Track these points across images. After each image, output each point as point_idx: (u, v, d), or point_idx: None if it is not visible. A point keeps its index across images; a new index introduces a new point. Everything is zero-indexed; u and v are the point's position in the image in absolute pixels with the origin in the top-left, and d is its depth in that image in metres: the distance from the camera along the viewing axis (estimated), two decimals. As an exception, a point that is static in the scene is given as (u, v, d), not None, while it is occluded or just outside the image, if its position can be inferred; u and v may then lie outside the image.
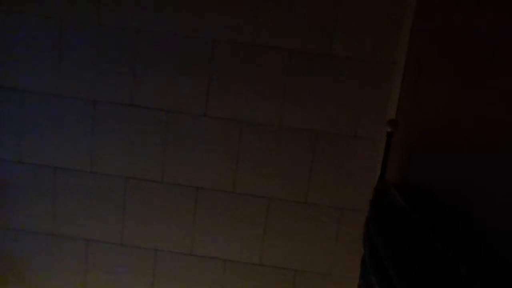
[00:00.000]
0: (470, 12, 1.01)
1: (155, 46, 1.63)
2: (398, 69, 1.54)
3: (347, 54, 1.59)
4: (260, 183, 1.70)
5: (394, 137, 1.27)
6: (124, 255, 1.78)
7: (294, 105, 1.64)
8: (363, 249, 1.21)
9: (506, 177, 0.75)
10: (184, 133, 1.69)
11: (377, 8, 1.56)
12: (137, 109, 1.68)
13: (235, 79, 1.64)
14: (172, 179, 1.72)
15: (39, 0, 1.63)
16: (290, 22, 1.59)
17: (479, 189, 0.85)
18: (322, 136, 1.65)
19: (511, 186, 0.73)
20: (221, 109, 1.66)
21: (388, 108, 1.60)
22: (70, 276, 1.81)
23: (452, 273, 0.75)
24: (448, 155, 1.02)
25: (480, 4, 0.97)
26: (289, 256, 1.74)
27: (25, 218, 1.78)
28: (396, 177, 1.34)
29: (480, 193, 0.84)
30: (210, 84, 1.65)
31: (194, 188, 1.72)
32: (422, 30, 1.38)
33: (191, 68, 1.64)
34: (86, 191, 1.75)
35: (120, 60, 1.65)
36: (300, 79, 1.62)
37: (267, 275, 1.75)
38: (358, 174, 1.67)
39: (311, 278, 1.74)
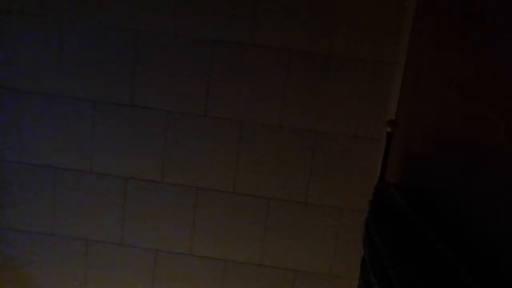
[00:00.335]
0: (470, 12, 1.01)
1: (155, 46, 1.64)
2: (398, 69, 1.54)
3: (347, 54, 1.59)
4: (260, 183, 1.70)
5: (394, 137, 1.27)
6: (124, 255, 1.78)
7: (294, 105, 1.64)
8: (363, 249, 1.21)
9: (506, 178, 0.75)
10: (184, 133, 1.69)
11: (377, 8, 1.56)
12: (137, 109, 1.68)
13: (235, 79, 1.64)
14: (172, 179, 1.72)
15: (39, 0, 1.63)
16: (290, 22, 1.59)
17: (479, 190, 0.85)
18: (322, 136, 1.65)
19: (511, 187, 0.73)
20: (221, 109, 1.66)
21: (388, 108, 1.60)
22: (70, 276, 1.82)
23: (451, 274, 0.75)
24: (448, 155, 1.02)
25: (480, 4, 0.97)
26: (289, 256, 1.74)
27: (25, 218, 1.79)
28: (396, 177, 1.34)
29: (479, 194, 0.84)
30: (210, 84, 1.65)
31: (194, 188, 1.72)
32: (422, 30, 1.38)
33: (191, 68, 1.64)
34: (86, 191, 1.75)
35: (120, 60, 1.65)
36: (300, 79, 1.62)
37: (267, 275, 1.76)
38: (358, 174, 1.67)
39: (311, 278, 1.74)
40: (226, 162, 1.70)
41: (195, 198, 1.73)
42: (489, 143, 0.83)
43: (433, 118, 1.16)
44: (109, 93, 1.68)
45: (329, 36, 1.59)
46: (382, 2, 1.56)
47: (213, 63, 1.64)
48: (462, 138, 0.95)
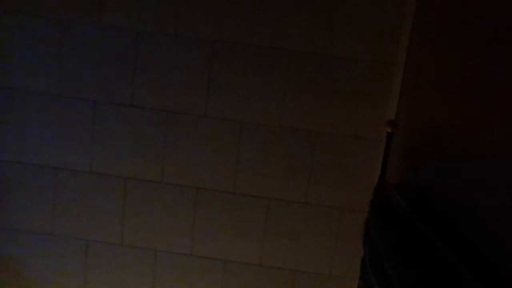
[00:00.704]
0: (470, 12, 1.01)
1: (155, 46, 1.63)
2: (398, 69, 1.54)
3: (347, 54, 1.59)
4: (260, 183, 1.70)
5: (394, 138, 1.27)
6: (124, 255, 1.78)
7: (294, 105, 1.64)
8: (363, 249, 1.20)
9: (506, 178, 0.75)
10: (184, 133, 1.69)
11: (377, 8, 1.56)
12: (137, 109, 1.68)
13: (235, 79, 1.64)
14: (172, 179, 1.72)
15: (39, 0, 1.63)
16: (290, 22, 1.59)
17: (479, 190, 0.85)
18: (322, 136, 1.65)
19: (511, 187, 0.73)
20: (221, 109, 1.66)
21: (388, 108, 1.60)
22: (70, 276, 1.82)
23: (451, 274, 0.75)
24: (448, 155, 1.02)
25: (480, 4, 0.97)
26: (289, 256, 1.74)
27: (25, 218, 1.79)
28: (396, 177, 1.34)
29: (479, 194, 0.84)
30: (210, 84, 1.65)
31: (194, 188, 1.72)
32: (422, 30, 1.38)
33: (191, 68, 1.64)
34: (86, 191, 1.75)
35: (120, 60, 1.65)
36: (300, 79, 1.62)
37: (267, 275, 1.75)
38: (358, 174, 1.67)
39: (311, 278, 1.74)
40: (226, 162, 1.70)
41: (195, 198, 1.73)
42: (489, 143, 0.83)
43: (433, 118, 1.16)
44: (109, 93, 1.68)
45: (329, 36, 1.59)
46: (382, 2, 1.56)
47: (213, 63, 1.64)
48: (462, 138, 0.95)
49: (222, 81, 1.65)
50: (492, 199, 0.79)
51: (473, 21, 0.99)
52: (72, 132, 1.71)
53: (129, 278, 1.80)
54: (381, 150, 1.36)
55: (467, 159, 0.91)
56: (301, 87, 1.63)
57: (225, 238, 1.75)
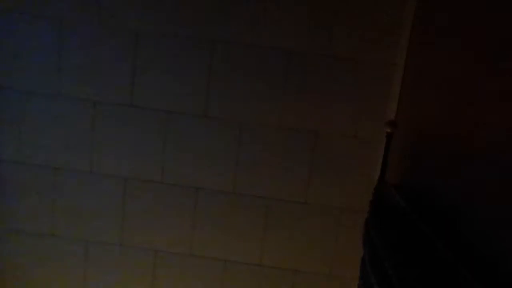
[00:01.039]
0: (470, 12, 1.01)
1: (155, 46, 1.63)
2: (398, 69, 1.54)
3: (347, 54, 1.59)
4: (260, 183, 1.70)
5: (393, 138, 1.27)
6: (124, 255, 1.78)
7: (294, 105, 1.64)
8: (363, 249, 1.20)
9: (506, 178, 0.75)
10: (184, 133, 1.69)
11: (377, 8, 1.56)
12: (137, 110, 1.68)
13: (235, 79, 1.64)
14: (172, 179, 1.72)
15: (39, 0, 1.63)
16: (290, 22, 1.59)
17: (479, 190, 0.85)
18: (322, 136, 1.65)
19: (510, 187, 0.73)
20: (221, 109, 1.66)
21: (388, 108, 1.60)
22: (70, 276, 1.82)
23: (451, 274, 0.75)
24: (448, 155, 1.02)
25: (479, 4, 0.97)
26: (289, 256, 1.74)
27: (25, 218, 1.79)
28: (396, 177, 1.34)
29: (479, 194, 0.84)
30: (210, 84, 1.65)
31: (194, 189, 1.72)
32: (422, 30, 1.38)
33: (191, 68, 1.64)
34: (86, 191, 1.75)
35: (120, 60, 1.65)
36: (300, 79, 1.62)
37: (267, 275, 1.75)
38: (358, 174, 1.67)
39: (311, 278, 1.74)
40: (226, 162, 1.70)
41: (195, 198, 1.73)
42: (489, 143, 0.83)
43: (433, 118, 1.16)
44: (109, 93, 1.68)
45: (329, 36, 1.59)
46: (382, 2, 1.56)
47: (213, 63, 1.64)
48: (462, 138, 0.95)
49: (222, 81, 1.65)
50: (492, 199, 0.79)
51: (473, 21, 0.99)
52: (72, 132, 1.71)
53: (129, 278, 1.80)
54: (381, 150, 1.36)
55: (467, 159, 0.91)
56: (301, 87, 1.63)
57: (225, 238, 1.75)
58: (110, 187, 1.74)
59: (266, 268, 1.75)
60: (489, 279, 0.70)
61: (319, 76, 1.62)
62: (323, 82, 1.62)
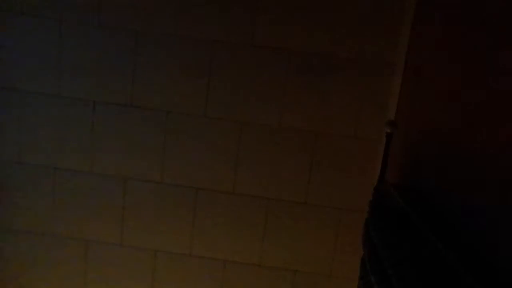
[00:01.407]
0: (470, 12, 1.01)
1: (155, 46, 1.63)
2: (398, 70, 1.54)
3: (347, 54, 1.59)
4: (260, 184, 1.70)
5: (393, 138, 1.27)
6: (124, 255, 1.78)
7: (294, 105, 1.64)
8: (363, 249, 1.20)
9: (506, 178, 0.75)
10: (184, 133, 1.69)
11: (377, 8, 1.56)
12: (137, 110, 1.68)
13: (235, 79, 1.64)
14: (172, 180, 1.72)
15: (39, 0, 1.63)
16: (290, 22, 1.59)
17: (479, 190, 0.85)
18: (322, 136, 1.65)
19: (510, 186, 0.73)
20: (221, 109, 1.66)
21: (388, 108, 1.60)
22: (70, 276, 1.82)
23: (451, 274, 0.75)
24: (447, 156, 1.02)
25: (479, 4, 0.97)
26: (289, 256, 1.74)
27: (25, 218, 1.79)
28: (396, 177, 1.34)
29: (479, 194, 0.84)
30: (210, 84, 1.65)
31: (194, 189, 1.72)
32: (422, 30, 1.38)
33: (191, 68, 1.64)
34: (86, 191, 1.75)
35: (120, 60, 1.65)
36: (300, 79, 1.62)
37: (267, 275, 1.75)
38: (358, 174, 1.66)
39: (310, 278, 1.74)
40: (226, 162, 1.69)
41: (195, 198, 1.73)
42: (489, 143, 0.83)
43: (433, 118, 1.16)
44: (109, 93, 1.68)
45: (329, 36, 1.59)
46: (382, 2, 1.56)
47: (213, 63, 1.64)
48: (462, 138, 0.95)
49: (222, 81, 1.65)
50: (492, 199, 0.79)
51: (473, 21, 0.99)
52: (72, 132, 1.71)
53: (128, 278, 1.80)
54: (381, 150, 1.36)
55: (467, 159, 0.91)
56: (301, 87, 1.63)
57: (224, 238, 1.75)
58: (110, 187, 1.74)
59: (265, 268, 1.75)
60: (489, 279, 0.70)
61: (319, 76, 1.62)
62: (323, 82, 1.62)
